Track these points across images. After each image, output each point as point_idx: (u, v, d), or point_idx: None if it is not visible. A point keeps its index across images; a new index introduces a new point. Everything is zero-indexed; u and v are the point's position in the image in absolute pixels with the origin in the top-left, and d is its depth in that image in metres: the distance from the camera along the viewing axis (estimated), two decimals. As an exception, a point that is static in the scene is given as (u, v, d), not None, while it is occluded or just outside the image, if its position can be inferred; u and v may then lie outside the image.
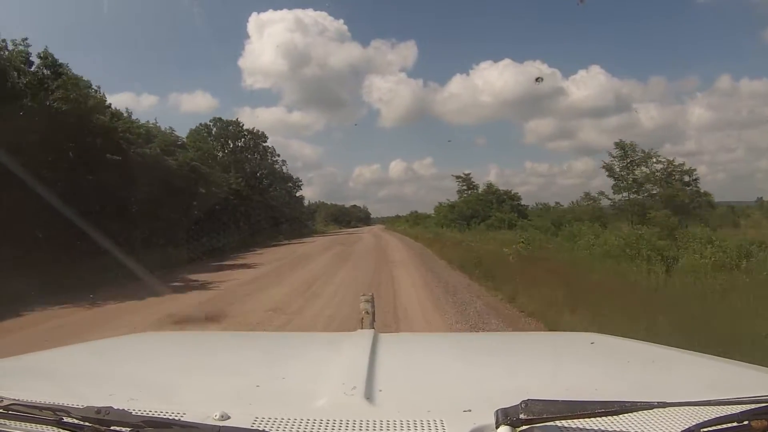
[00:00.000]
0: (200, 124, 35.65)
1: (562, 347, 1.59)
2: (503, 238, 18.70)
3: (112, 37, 52.53)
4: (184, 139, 25.50)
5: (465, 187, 36.00)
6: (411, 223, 47.85)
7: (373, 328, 1.69)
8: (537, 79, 50.35)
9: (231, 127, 37.42)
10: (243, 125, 38.19)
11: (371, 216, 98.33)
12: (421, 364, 1.31)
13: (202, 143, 28.90)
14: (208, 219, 22.66)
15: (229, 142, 37.10)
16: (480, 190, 35.52)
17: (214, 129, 36.40)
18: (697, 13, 51.43)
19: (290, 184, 45.75)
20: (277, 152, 42.30)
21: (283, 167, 43.47)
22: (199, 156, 24.08)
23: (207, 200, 21.94)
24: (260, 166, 40.17)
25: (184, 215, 19.47)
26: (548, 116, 66.05)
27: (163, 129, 22.19)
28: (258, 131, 39.61)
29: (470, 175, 36.50)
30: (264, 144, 39.78)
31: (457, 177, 36.46)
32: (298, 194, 47.10)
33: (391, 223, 67.56)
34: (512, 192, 34.81)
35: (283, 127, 72.73)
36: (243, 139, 38.44)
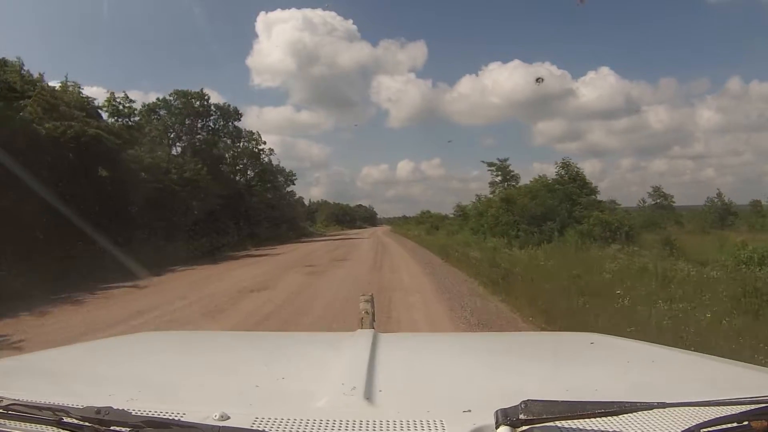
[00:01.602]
0: (158, 99, 28.18)
1: (562, 347, 1.59)
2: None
3: (119, 35, 52.55)
4: (95, 101, 17.53)
5: (500, 179, 25.02)
6: (427, 227, 36.73)
7: (373, 328, 1.70)
8: (537, 80, 49.92)
9: (195, 101, 28.61)
10: (209, 98, 29.65)
11: (377, 216, 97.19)
12: (420, 364, 1.31)
13: (126, 110, 20.24)
14: (125, 220, 15.85)
15: (193, 119, 28.62)
16: (518, 182, 23.81)
17: (176, 103, 28.22)
18: (708, 14, 50.95)
19: (281, 179, 38.10)
20: (263, 139, 35.27)
21: (271, 157, 36.21)
22: (119, 128, 17.61)
23: (123, 189, 15.44)
24: (240, 153, 33.03)
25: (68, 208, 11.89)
26: (557, 118, 66.38)
27: (70, 89, 15.85)
28: (228, 106, 31.03)
29: (508, 162, 25.11)
30: (236, 123, 31.80)
31: (490, 164, 25.32)
32: (289, 189, 40.24)
33: (400, 225, 59.80)
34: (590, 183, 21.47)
35: (291, 126, 72.89)
36: (212, 118, 30.42)
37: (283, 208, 37.46)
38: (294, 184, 40.58)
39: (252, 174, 34.86)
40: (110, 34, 50.60)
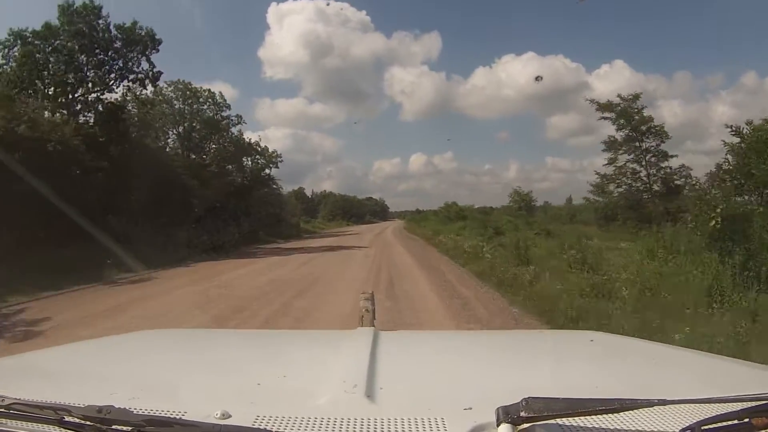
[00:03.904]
0: (46, 24, 17.14)
1: (562, 345, 1.59)
2: None
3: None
4: None
5: (626, 133, 14.06)
6: (485, 230, 18.61)
7: (374, 325, 1.70)
8: (537, 78, 49.28)
9: (83, 19, 17.40)
10: (107, 16, 18.05)
11: (389, 210, 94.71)
12: (421, 362, 1.31)
13: None
14: None
15: (80, 52, 17.44)
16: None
17: (62, 25, 17.32)
18: (724, 8, 49.73)
19: (261, 160, 28.00)
20: (225, 99, 26.22)
21: (240, 127, 27.04)
22: None
23: None
24: (194, 119, 24.30)
25: None
26: (571, 111, 65.41)
27: None
28: (136, 27, 18.55)
29: (639, 103, 14.53)
30: (151, 54, 19.15)
31: (605, 108, 14.48)
32: (268, 172, 29.07)
33: (416, 221, 45.40)
34: None
35: (303, 118, 72.33)
36: (119, 51, 18.47)
37: (259, 199, 27.58)
38: (278, 167, 29.43)
39: (214, 149, 26.38)
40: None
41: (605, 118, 14.23)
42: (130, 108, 20.26)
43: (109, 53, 18.69)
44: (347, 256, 17.01)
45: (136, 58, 19.18)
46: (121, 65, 19.06)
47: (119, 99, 19.53)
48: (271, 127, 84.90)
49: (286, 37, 67.64)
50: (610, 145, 13.81)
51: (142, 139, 20.74)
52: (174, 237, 16.91)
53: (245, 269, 13.46)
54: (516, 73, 67.88)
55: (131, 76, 19.36)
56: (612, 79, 60.03)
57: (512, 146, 74.56)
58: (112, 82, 19.07)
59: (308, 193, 63.89)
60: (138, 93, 20.26)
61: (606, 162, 13.74)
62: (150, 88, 20.40)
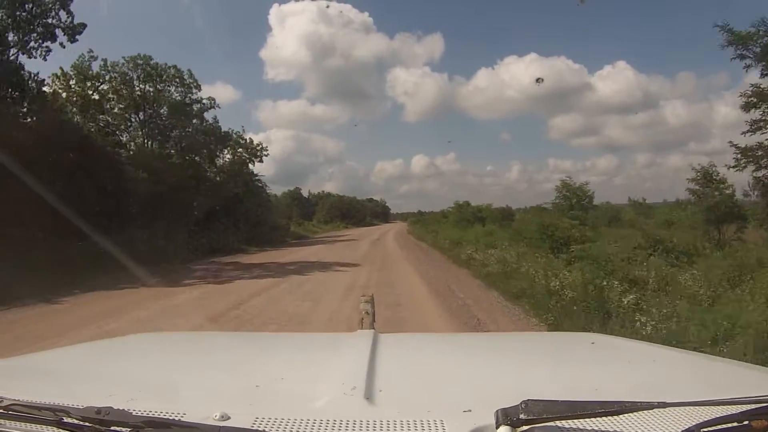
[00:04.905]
0: None
1: (562, 347, 1.59)
2: None
3: (131, 27, 51.46)
4: None
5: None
6: (555, 243, 11.56)
7: (373, 328, 1.70)
8: (537, 80, 49.34)
9: None
10: None
11: (390, 212, 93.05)
12: (421, 364, 1.31)
13: None
14: None
15: None
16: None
17: None
18: (727, 7, 49.44)
19: (243, 153, 24.67)
20: (195, 78, 22.03)
21: (214, 112, 23.49)
22: None
23: None
24: (158, 101, 20.63)
25: None
26: (573, 112, 65.89)
27: None
28: None
29: None
30: (69, 4, 14.58)
31: (742, 41, 10.16)
32: (251, 169, 25.41)
33: (421, 223, 39.49)
34: None
35: (305, 120, 72.75)
36: None
37: (234, 198, 23.26)
38: (261, 161, 25.54)
39: (177, 135, 22.09)
40: (117, 24, 49.21)
41: (743, 57, 8.74)
42: (74, 84, 16.85)
43: (24, 4, 13.77)
44: (323, 283, 10.57)
45: (53, 11, 14.11)
46: (32, 17, 13.82)
47: (60, 75, 15.38)
48: (273, 128, 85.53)
49: (288, 39, 67.92)
50: (760, 97, 7.63)
51: (60, 116, 15.57)
52: (88, 248, 11.74)
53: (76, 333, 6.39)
54: (518, 74, 68.14)
55: (47, 32, 14.12)
56: (614, 80, 60.11)
57: (514, 147, 74.81)
58: (30, 42, 13.83)
59: (306, 194, 62.82)
60: (85, 64, 16.58)
61: (748, 128, 7.92)
62: (68, 44, 14.67)
